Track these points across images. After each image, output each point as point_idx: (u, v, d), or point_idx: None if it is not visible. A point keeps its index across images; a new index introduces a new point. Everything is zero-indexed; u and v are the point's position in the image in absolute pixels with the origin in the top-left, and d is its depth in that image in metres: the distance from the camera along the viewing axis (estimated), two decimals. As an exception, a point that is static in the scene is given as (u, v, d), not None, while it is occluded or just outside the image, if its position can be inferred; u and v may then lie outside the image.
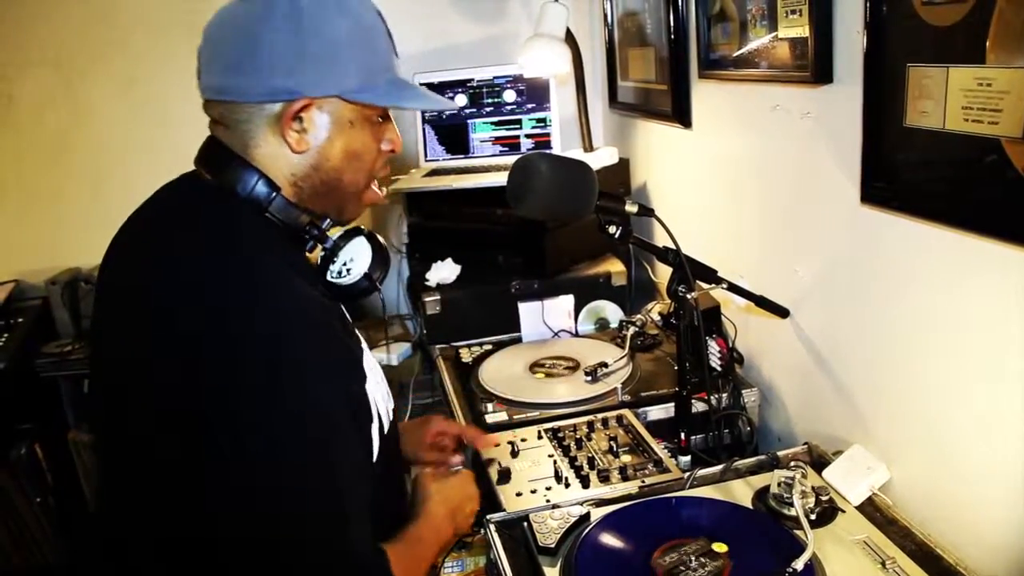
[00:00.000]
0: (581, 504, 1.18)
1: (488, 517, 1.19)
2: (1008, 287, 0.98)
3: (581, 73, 2.15)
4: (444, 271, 2.00)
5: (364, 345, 1.05)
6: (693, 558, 1.04)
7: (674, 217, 1.43)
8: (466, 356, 1.83)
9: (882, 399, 1.26)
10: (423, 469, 1.26)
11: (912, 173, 1.10)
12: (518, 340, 1.92)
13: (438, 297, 1.94)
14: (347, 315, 1.06)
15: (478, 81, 2.19)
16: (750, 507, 1.19)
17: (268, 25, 0.89)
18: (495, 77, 2.18)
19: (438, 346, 1.92)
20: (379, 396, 1.02)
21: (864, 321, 1.28)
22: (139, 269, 0.93)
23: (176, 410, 0.83)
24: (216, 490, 0.84)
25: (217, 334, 0.83)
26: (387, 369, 1.13)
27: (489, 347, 1.88)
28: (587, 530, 1.12)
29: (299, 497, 0.85)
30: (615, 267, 2.05)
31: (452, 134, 2.23)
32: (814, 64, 1.27)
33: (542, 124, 2.17)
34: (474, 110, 2.21)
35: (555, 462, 1.33)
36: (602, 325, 1.98)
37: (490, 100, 2.20)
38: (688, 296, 1.34)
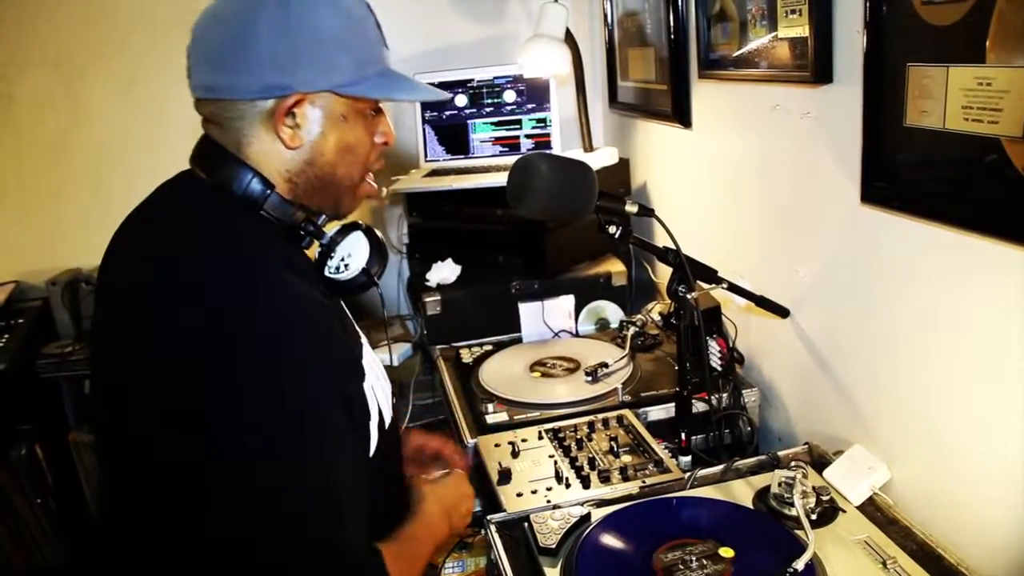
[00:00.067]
0: (582, 504, 1.18)
1: (489, 517, 1.19)
2: (1008, 287, 0.98)
3: (581, 73, 2.15)
4: (444, 271, 1.99)
5: (364, 340, 1.05)
6: (694, 558, 1.04)
7: (674, 217, 1.43)
8: (466, 356, 1.83)
9: (882, 399, 1.26)
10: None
11: (912, 173, 1.10)
12: (518, 340, 1.92)
13: (438, 297, 1.94)
14: (347, 311, 1.06)
15: (478, 81, 2.19)
16: (751, 507, 1.19)
17: (257, 21, 0.89)
18: (495, 77, 2.18)
19: (438, 346, 1.92)
20: (379, 391, 1.03)
21: (864, 321, 1.28)
22: (139, 269, 0.93)
23: (176, 410, 0.84)
24: (216, 490, 0.84)
25: (217, 334, 0.83)
26: (387, 370, 1.13)
27: (489, 347, 1.88)
28: (588, 530, 1.12)
29: (298, 497, 0.85)
30: (615, 267, 2.05)
31: (452, 134, 2.23)
32: (814, 64, 1.27)
33: (542, 124, 2.17)
34: (474, 110, 2.21)
35: (556, 462, 1.33)
36: (602, 325, 1.98)
37: (490, 100, 2.19)
38: (688, 296, 1.34)
